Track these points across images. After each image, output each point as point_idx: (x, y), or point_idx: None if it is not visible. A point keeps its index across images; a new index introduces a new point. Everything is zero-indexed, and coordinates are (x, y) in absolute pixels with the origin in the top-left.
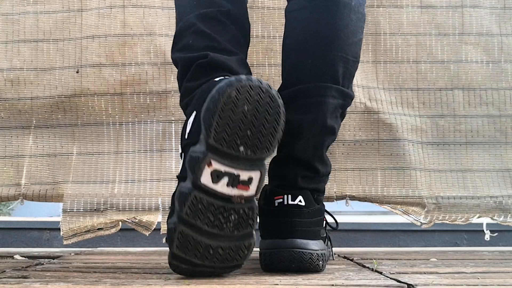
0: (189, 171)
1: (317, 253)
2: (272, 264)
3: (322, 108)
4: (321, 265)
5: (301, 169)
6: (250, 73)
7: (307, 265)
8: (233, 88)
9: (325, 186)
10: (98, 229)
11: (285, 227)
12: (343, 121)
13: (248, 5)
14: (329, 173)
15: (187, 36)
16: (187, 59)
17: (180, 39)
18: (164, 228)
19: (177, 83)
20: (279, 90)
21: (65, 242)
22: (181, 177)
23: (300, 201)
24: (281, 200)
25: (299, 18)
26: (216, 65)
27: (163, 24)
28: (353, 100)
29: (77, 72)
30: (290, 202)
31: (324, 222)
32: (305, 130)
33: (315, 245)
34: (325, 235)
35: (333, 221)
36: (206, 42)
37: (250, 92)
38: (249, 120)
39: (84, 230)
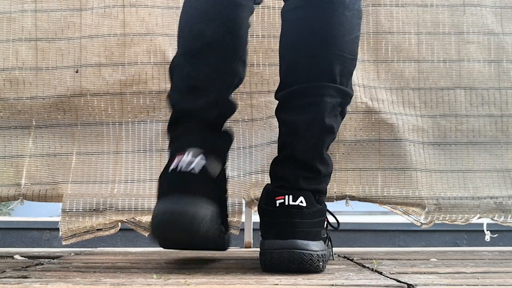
0: None
1: (317, 254)
2: (272, 265)
3: (320, 108)
4: (321, 266)
5: (302, 170)
6: (217, 113)
7: (308, 266)
8: (153, 228)
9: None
10: (97, 229)
11: (285, 228)
12: (344, 121)
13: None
14: (331, 173)
15: (174, 75)
16: (169, 104)
17: (171, 75)
18: None
19: None
20: (277, 91)
21: (64, 243)
22: None
23: (301, 201)
24: (282, 200)
25: (294, 18)
26: (181, 116)
27: (162, 23)
28: (355, 100)
29: (76, 72)
30: (291, 202)
31: (325, 222)
32: (304, 130)
33: (315, 246)
34: (325, 235)
35: (335, 221)
36: (185, 82)
37: (165, 229)
38: (175, 239)
39: (83, 231)
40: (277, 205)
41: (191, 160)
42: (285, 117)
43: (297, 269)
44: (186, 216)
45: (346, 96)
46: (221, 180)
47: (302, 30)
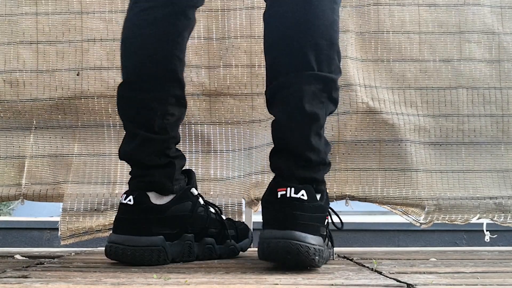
0: None
1: (314, 248)
2: (269, 253)
3: (299, 96)
4: (317, 260)
5: (293, 161)
6: (149, 152)
7: (303, 258)
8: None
9: (325, 178)
10: (96, 230)
11: (285, 219)
12: (344, 121)
13: (248, 5)
14: (325, 160)
15: None
16: None
17: None
18: None
19: None
20: (265, 90)
21: (62, 243)
22: None
23: (302, 195)
24: (284, 192)
25: (267, 18)
26: (125, 160)
27: None
28: (356, 100)
29: (77, 75)
30: (293, 195)
31: (327, 221)
32: (287, 121)
33: (313, 240)
34: (325, 233)
35: (338, 220)
36: (124, 125)
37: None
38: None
39: (82, 231)
40: (279, 196)
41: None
42: (273, 112)
43: (293, 260)
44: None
45: (329, 81)
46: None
47: (273, 27)
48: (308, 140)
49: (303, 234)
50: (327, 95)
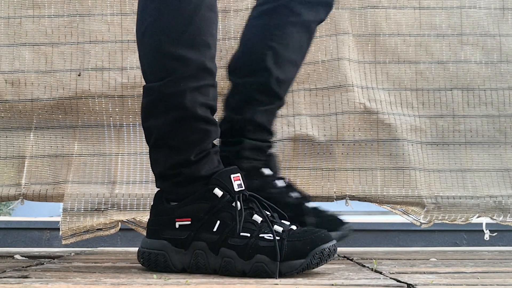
0: None
1: (142, 251)
2: None
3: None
4: (141, 261)
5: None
6: None
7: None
8: None
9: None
10: (97, 229)
11: None
12: (343, 121)
13: (249, 6)
14: (163, 173)
15: None
16: None
17: None
18: None
19: None
20: None
21: (63, 242)
22: None
23: (152, 202)
24: None
25: None
26: None
27: None
28: (353, 100)
29: (79, 75)
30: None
31: (177, 224)
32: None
33: (144, 243)
34: (170, 236)
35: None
36: None
37: None
38: None
39: (83, 230)
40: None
41: None
42: None
43: None
44: None
45: (148, 91)
46: None
47: None
48: (151, 153)
49: (145, 239)
50: (165, 103)
